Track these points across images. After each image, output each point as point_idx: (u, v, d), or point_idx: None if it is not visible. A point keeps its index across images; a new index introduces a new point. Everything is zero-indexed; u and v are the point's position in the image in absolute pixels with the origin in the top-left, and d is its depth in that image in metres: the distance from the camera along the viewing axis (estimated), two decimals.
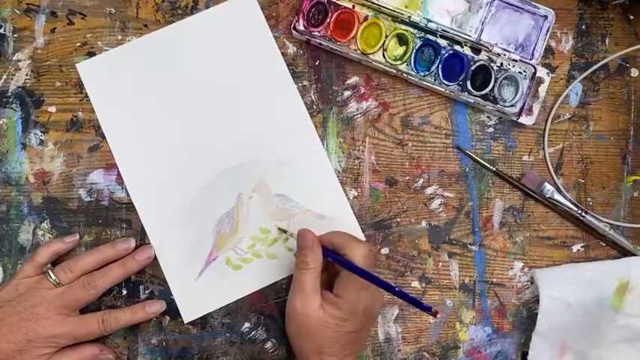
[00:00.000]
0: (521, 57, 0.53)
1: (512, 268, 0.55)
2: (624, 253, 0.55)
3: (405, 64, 0.53)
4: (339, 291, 0.47)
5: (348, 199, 0.54)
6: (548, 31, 0.53)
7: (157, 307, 0.51)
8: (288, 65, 0.55)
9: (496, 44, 0.53)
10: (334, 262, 0.48)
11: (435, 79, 0.53)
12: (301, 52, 0.55)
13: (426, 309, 0.42)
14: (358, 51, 0.53)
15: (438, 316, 0.43)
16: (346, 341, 0.47)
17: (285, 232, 0.53)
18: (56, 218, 0.53)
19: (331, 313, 0.46)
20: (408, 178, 0.55)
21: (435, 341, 0.54)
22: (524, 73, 0.53)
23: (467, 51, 0.54)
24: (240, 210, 0.54)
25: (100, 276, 0.49)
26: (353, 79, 0.55)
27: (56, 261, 0.52)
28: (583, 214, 0.54)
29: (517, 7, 0.53)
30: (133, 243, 0.52)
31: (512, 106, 0.53)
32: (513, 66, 0.53)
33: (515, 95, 0.53)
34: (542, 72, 0.54)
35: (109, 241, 0.53)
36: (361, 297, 0.47)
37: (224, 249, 0.53)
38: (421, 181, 0.55)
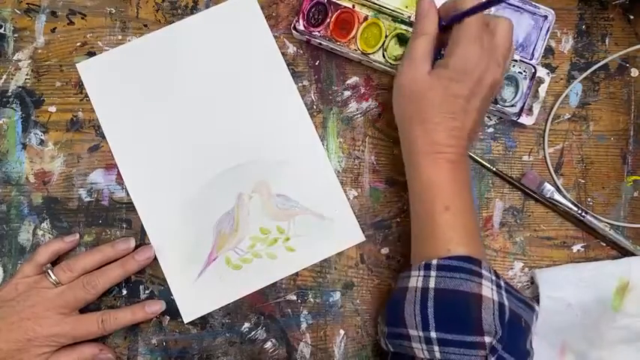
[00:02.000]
0: (521, 57, 0.53)
1: (512, 268, 0.55)
2: (624, 253, 0.55)
3: None
4: (449, 49, 0.45)
5: (348, 199, 0.54)
6: (548, 31, 0.53)
7: (157, 307, 0.51)
8: (288, 65, 0.55)
9: None
10: (452, 22, 0.45)
11: None
12: (301, 52, 0.55)
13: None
14: (358, 51, 0.53)
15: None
16: (453, 108, 0.44)
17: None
18: (56, 218, 0.53)
19: (439, 74, 0.44)
20: None
21: None
22: (524, 73, 0.53)
23: None
24: (240, 210, 0.54)
25: (99, 276, 0.49)
26: (353, 79, 0.55)
27: (56, 261, 0.52)
28: (583, 214, 0.54)
29: (517, 7, 0.53)
30: (132, 243, 0.52)
31: (512, 106, 0.53)
32: (513, 66, 0.53)
33: (515, 95, 0.53)
34: (542, 72, 0.54)
35: (109, 241, 0.53)
36: (470, 52, 0.43)
37: (224, 249, 0.53)
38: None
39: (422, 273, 0.44)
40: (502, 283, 0.44)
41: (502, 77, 0.46)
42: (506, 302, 0.42)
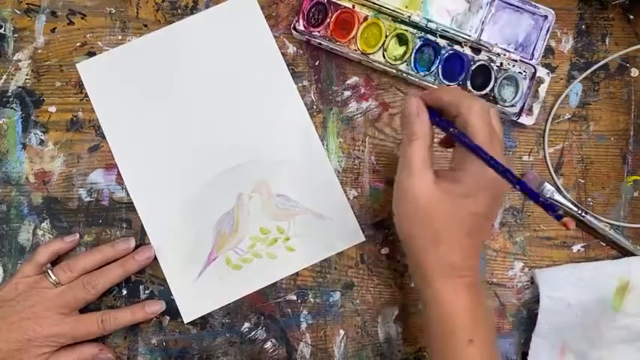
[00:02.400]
0: (521, 57, 0.53)
1: (512, 268, 0.55)
2: (624, 253, 0.55)
3: (405, 64, 0.53)
4: (458, 163, 0.39)
5: (348, 199, 0.54)
6: (548, 31, 0.53)
7: (157, 307, 0.51)
8: (288, 65, 0.55)
9: (496, 44, 0.53)
10: (443, 129, 0.40)
11: (435, 79, 0.53)
12: (301, 52, 0.55)
13: (557, 216, 0.34)
14: (358, 51, 0.53)
15: (571, 226, 0.35)
16: (469, 227, 0.39)
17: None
18: (56, 218, 0.53)
19: (449, 190, 0.38)
20: None
21: None
22: (524, 73, 0.53)
23: (467, 51, 0.54)
24: (240, 210, 0.54)
25: (99, 275, 0.49)
26: (353, 79, 0.55)
27: (56, 260, 0.52)
28: (583, 214, 0.54)
29: (517, 7, 0.53)
30: (132, 243, 0.52)
31: (512, 106, 0.53)
32: (513, 66, 0.53)
33: (515, 95, 0.53)
34: (542, 72, 0.54)
35: (109, 241, 0.53)
36: (487, 169, 0.37)
37: (224, 249, 0.53)
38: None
39: None
40: None
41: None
42: None
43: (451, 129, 0.38)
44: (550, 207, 0.35)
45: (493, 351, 0.41)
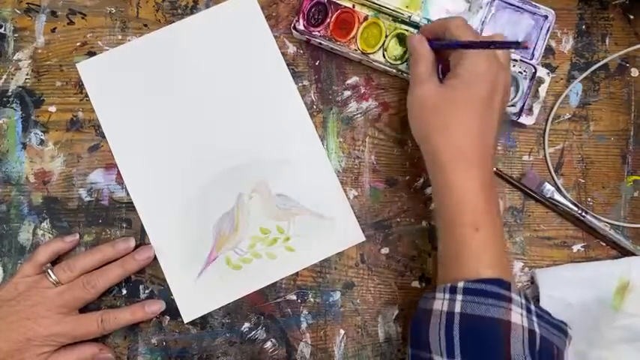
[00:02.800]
0: (521, 57, 0.53)
1: (512, 268, 0.55)
2: (624, 253, 0.55)
3: (405, 64, 0.53)
4: (454, 65, 0.46)
5: (348, 199, 0.54)
6: (548, 31, 0.53)
7: (157, 306, 0.51)
8: (288, 65, 0.55)
9: None
10: (440, 47, 0.48)
11: None
12: (301, 52, 0.55)
13: (515, 43, 0.41)
14: (358, 51, 0.53)
15: (527, 44, 0.42)
16: (474, 111, 0.44)
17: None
18: (56, 218, 0.53)
19: (452, 84, 0.45)
20: (408, 178, 0.55)
21: None
22: (524, 73, 0.53)
23: None
24: (240, 210, 0.54)
25: (99, 275, 0.49)
26: (353, 79, 0.55)
27: (56, 260, 0.52)
28: (583, 214, 0.54)
29: (517, 7, 0.53)
30: (132, 243, 0.52)
31: (512, 106, 0.53)
32: (513, 66, 0.53)
33: (516, 95, 0.53)
34: (542, 72, 0.54)
35: (109, 241, 0.53)
36: (479, 59, 0.44)
37: (224, 249, 0.53)
38: (421, 181, 0.55)
39: (447, 296, 0.42)
40: (533, 308, 0.42)
41: (510, 81, 0.47)
42: (537, 329, 0.40)
43: (444, 42, 0.47)
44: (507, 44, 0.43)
45: (498, 238, 0.43)
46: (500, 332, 0.39)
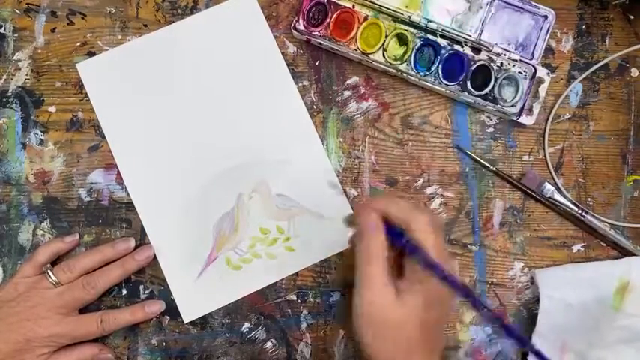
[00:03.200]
0: (521, 57, 0.53)
1: (512, 268, 0.55)
2: (624, 253, 0.55)
3: (405, 64, 0.53)
4: (411, 275, 0.38)
5: (348, 199, 0.54)
6: (548, 31, 0.53)
7: (157, 307, 0.51)
8: (288, 65, 0.55)
9: (496, 44, 0.53)
10: (399, 245, 0.39)
11: (435, 79, 0.53)
12: (301, 52, 0.55)
13: (521, 342, 0.37)
14: (358, 51, 0.53)
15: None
16: (433, 334, 0.39)
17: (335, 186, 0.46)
18: (56, 218, 0.53)
19: (412, 304, 0.37)
20: (408, 178, 0.55)
21: None
22: (524, 73, 0.53)
23: (467, 51, 0.54)
24: (240, 210, 0.54)
25: (99, 276, 0.49)
26: (353, 79, 0.55)
27: (56, 261, 0.52)
28: (583, 214, 0.54)
29: (517, 7, 0.53)
30: (132, 243, 0.52)
31: (512, 106, 0.53)
32: (513, 66, 0.53)
33: (515, 95, 0.53)
34: (542, 72, 0.54)
35: (109, 241, 0.53)
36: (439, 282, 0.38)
37: (224, 249, 0.53)
38: (421, 181, 0.55)
39: None
40: None
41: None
42: None
43: (408, 244, 0.38)
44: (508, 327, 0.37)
45: None
46: None
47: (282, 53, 0.55)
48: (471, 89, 0.53)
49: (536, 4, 0.53)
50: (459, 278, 0.38)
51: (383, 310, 0.37)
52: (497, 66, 0.53)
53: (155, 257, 0.52)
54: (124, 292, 0.53)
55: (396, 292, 0.38)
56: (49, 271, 0.49)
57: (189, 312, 0.53)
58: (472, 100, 0.53)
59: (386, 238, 0.38)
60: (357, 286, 0.39)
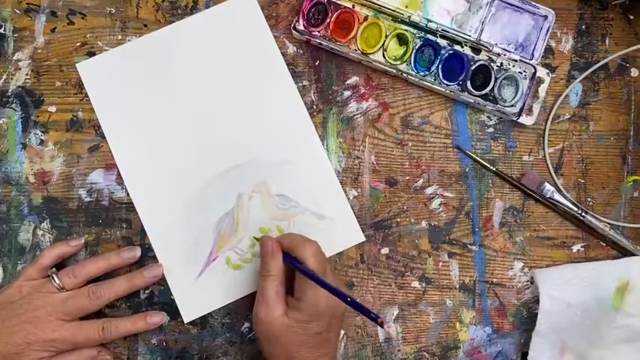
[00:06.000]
0: (521, 57, 0.53)
1: (512, 268, 0.55)
2: (624, 253, 0.55)
3: (405, 64, 0.53)
4: (298, 293, 0.47)
5: (348, 199, 0.54)
6: (548, 31, 0.53)
7: (158, 318, 0.51)
8: (288, 65, 0.55)
9: (496, 44, 0.53)
10: (291, 265, 0.47)
11: (435, 79, 0.53)
12: (301, 52, 0.55)
13: (373, 318, 0.43)
14: (358, 51, 0.53)
15: (385, 327, 0.48)
16: (314, 343, 0.46)
17: (257, 239, 0.52)
18: (56, 218, 0.53)
19: (294, 318, 0.46)
20: (408, 178, 0.55)
21: (435, 341, 0.54)
22: (524, 73, 0.53)
23: (467, 51, 0.54)
24: (240, 210, 0.54)
25: (105, 287, 0.49)
26: (353, 79, 0.55)
27: (61, 263, 0.52)
28: (583, 214, 0.54)
29: (517, 7, 0.53)
30: (138, 252, 0.52)
31: (512, 106, 0.53)
32: (513, 66, 0.53)
33: (515, 95, 0.53)
34: (542, 72, 0.54)
35: (109, 241, 0.53)
36: (319, 296, 0.46)
37: (224, 249, 0.53)
38: (421, 181, 0.55)
39: None
40: None
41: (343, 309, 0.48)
42: None
43: (296, 263, 0.47)
44: (360, 308, 0.44)
45: None
46: None
47: (282, 53, 0.55)
48: (471, 89, 0.53)
49: (536, 4, 0.53)
50: (331, 283, 0.45)
51: (271, 323, 0.46)
52: (497, 66, 0.53)
53: (155, 257, 0.52)
54: None
55: (285, 307, 0.46)
56: (54, 275, 0.49)
57: (189, 312, 0.53)
58: (472, 100, 0.53)
59: (283, 263, 0.47)
60: (256, 299, 0.48)
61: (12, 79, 0.54)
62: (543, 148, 0.56)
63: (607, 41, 0.56)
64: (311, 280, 0.46)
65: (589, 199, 0.55)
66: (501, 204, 0.55)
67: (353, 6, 0.53)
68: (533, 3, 0.53)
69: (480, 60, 0.53)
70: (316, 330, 0.46)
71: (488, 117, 0.55)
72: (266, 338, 0.47)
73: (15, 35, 0.54)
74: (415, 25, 0.53)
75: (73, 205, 0.54)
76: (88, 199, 0.54)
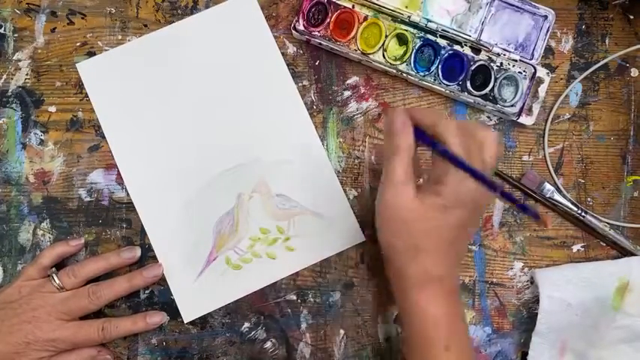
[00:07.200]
0: (521, 57, 0.53)
1: (512, 268, 0.55)
2: (624, 253, 0.55)
3: (405, 64, 0.53)
4: (438, 177, 0.40)
5: (348, 199, 0.54)
6: (548, 31, 0.53)
7: (158, 318, 0.51)
8: (288, 65, 0.55)
9: (496, 44, 0.53)
10: (425, 145, 0.41)
11: (434, 79, 0.53)
12: (301, 52, 0.55)
13: (532, 213, 0.38)
14: (358, 51, 0.53)
15: (548, 225, 0.41)
16: (448, 237, 0.40)
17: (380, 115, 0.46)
18: (56, 218, 0.53)
19: (430, 202, 0.39)
20: None
21: None
22: (524, 73, 0.53)
23: (467, 51, 0.54)
24: (240, 210, 0.54)
25: (105, 287, 0.49)
26: (353, 79, 0.55)
27: (61, 263, 0.52)
28: (583, 214, 0.54)
29: (517, 7, 0.53)
30: (138, 252, 0.52)
31: (512, 106, 0.53)
32: (513, 66, 0.53)
33: (515, 95, 0.53)
34: (542, 72, 0.54)
35: (109, 241, 0.53)
36: (465, 182, 0.39)
37: (224, 249, 0.53)
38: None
39: None
40: None
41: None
42: None
43: (434, 143, 0.40)
44: (528, 210, 0.39)
45: (468, 356, 0.43)
46: None
47: (282, 53, 0.55)
48: (471, 89, 0.53)
49: (536, 4, 0.53)
50: (482, 171, 0.38)
51: (399, 207, 0.40)
52: (497, 66, 0.53)
53: (155, 257, 0.52)
54: None
55: (415, 191, 0.40)
56: (53, 275, 0.49)
57: (189, 312, 0.53)
58: (472, 100, 0.53)
59: (414, 140, 0.41)
60: (381, 184, 0.41)
61: (12, 79, 0.54)
62: (543, 148, 0.56)
63: (607, 41, 0.56)
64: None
65: (589, 199, 0.55)
66: (501, 204, 0.55)
67: (353, 6, 0.53)
68: (533, 3, 0.53)
69: (480, 60, 0.53)
70: (454, 221, 0.40)
71: (488, 117, 0.55)
72: (391, 227, 0.41)
73: (15, 35, 0.54)
74: (415, 25, 0.53)
75: (73, 205, 0.54)
76: (88, 199, 0.54)
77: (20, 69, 0.54)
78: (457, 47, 0.53)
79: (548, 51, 0.56)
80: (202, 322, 0.53)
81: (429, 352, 0.41)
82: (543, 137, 0.56)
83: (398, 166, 0.40)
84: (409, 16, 0.52)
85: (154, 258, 0.53)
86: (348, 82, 0.55)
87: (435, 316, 0.41)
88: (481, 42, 0.53)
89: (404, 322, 0.44)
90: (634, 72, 0.56)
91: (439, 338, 0.41)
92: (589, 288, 0.52)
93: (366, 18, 0.53)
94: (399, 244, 0.41)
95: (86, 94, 0.54)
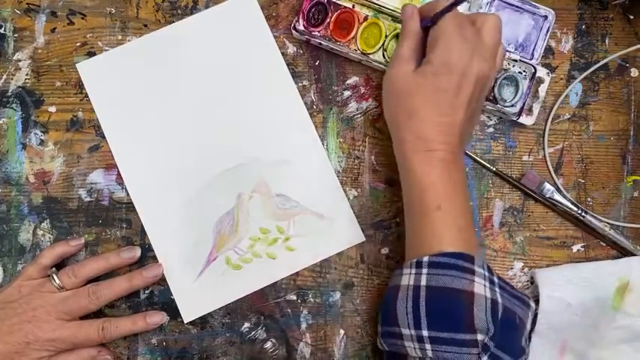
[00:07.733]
0: (521, 57, 0.53)
1: (512, 268, 0.55)
2: (624, 253, 0.55)
3: None
4: (430, 47, 0.46)
5: (348, 199, 0.54)
6: (548, 31, 0.53)
7: (158, 318, 0.51)
8: (288, 65, 0.55)
9: None
10: (431, 24, 0.46)
11: None
12: (301, 52, 0.55)
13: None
14: (358, 51, 0.53)
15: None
16: (440, 103, 0.45)
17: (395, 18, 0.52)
18: (56, 218, 0.53)
19: (424, 70, 0.45)
20: None
21: None
22: (524, 73, 0.53)
23: None
24: (240, 210, 0.54)
25: (105, 287, 0.49)
26: (353, 79, 0.55)
27: (61, 263, 0.52)
28: (583, 214, 0.54)
29: (517, 7, 0.53)
30: (138, 252, 0.52)
31: (512, 106, 0.53)
32: (513, 66, 0.53)
33: (515, 95, 0.53)
34: (542, 72, 0.54)
35: (109, 241, 0.53)
36: (451, 46, 0.44)
37: (224, 249, 0.53)
38: None
39: (413, 271, 0.44)
40: (496, 280, 0.44)
41: (492, 73, 0.46)
42: (499, 299, 0.42)
43: (432, 21, 0.46)
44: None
45: (461, 216, 0.45)
46: (464, 302, 0.41)
47: (282, 53, 0.55)
48: None
49: (536, 4, 0.53)
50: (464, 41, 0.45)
51: (402, 78, 0.46)
52: None
53: (155, 257, 0.52)
54: None
55: (415, 68, 0.46)
56: (53, 275, 0.49)
57: (189, 312, 0.53)
58: None
59: (422, 26, 0.47)
60: (390, 62, 0.48)
61: (12, 79, 0.54)
62: (543, 148, 0.56)
63: (607, 41, 0.56)
64: (443, 33, 0.44)
65: (589, 199, 0.55)
66: (501, 204, 0.55)
67: (353, 6, 0.53)
68: (533, 3, 0.53)
69: None
70: (444, 85, 0.44)
71: (488, 117, 0.55)
72: (391, 94, 0.47)
73: (15, 35, 0.54)
74: None
75: (73, 205, 0.54)
76: (88, 199, 0.54)
77: (20, 69, 0.54)
78: None
79: (548, 51, 0.56)
80: (202, 322, 0.53)
81: (421, 211, 0.45)
82: (543, 137, 0.56)
83: (405, 45, 0.47)
84: None
85: (154, 258, 0.53)
86: (348, 82, 0.55)
87: (428, 178, 0.45)
88: None
89: (403, 189, 0.48)
90: (634, 72, 0.56)
91: (431, 198, 0.44)
92: (589, 288, 0.52)
93: (366, 18, 0.53)
94: (397, 111, 0.46)
95: (86, 94, 0.54)
